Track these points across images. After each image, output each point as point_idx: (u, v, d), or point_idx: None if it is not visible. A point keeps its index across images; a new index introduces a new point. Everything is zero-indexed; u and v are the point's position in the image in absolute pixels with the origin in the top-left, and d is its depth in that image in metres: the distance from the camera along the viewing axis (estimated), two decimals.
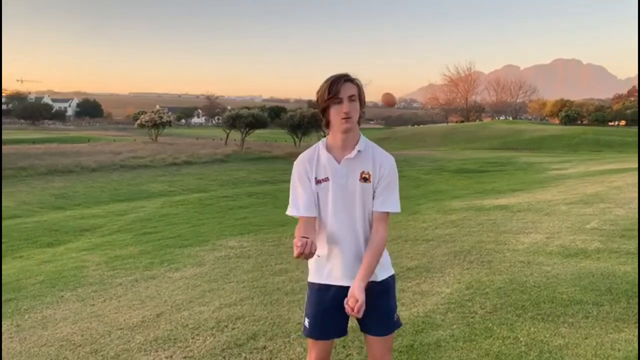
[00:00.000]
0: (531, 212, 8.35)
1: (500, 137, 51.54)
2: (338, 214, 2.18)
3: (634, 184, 11.40)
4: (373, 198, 2.18)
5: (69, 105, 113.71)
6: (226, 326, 3.91)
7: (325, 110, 2.15)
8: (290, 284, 4.97)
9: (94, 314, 4.52)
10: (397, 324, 2.27)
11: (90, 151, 29.96)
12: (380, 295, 2.23)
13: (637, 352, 3.04)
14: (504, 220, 7.81)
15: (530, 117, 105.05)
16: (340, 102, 2.10)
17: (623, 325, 3.44)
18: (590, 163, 24.14)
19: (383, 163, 2.19)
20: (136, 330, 4.01)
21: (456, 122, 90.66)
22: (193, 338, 3.74)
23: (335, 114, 2.12)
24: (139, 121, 43.27)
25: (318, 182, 2.18)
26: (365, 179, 2.16)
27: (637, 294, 3.97)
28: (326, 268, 2.23)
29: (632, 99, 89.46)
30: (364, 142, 2.20)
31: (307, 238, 1.97)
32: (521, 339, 3.32)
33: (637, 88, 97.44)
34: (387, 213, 2.19)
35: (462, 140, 52.73)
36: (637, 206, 8.09)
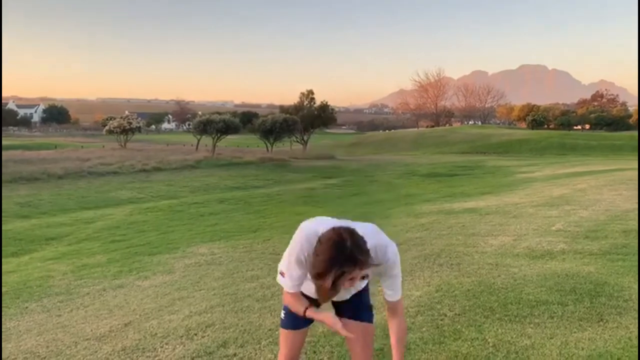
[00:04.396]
0: (499, 215, 8.50)
1: (470, 141, 52.35)
2: None
3: (597, 186, 11.73)
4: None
5: (35, 111, 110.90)
6: (196, 334, 3.87)
7: None
8: (262, 291, 4.95)
9: (60, 325, 4.42)
10: (371, 315, 2.38)
11: (56, 158, 29.24)
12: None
13: (600, 351, 3.12)
14: (472, 223, 7.93)
15: (498, 122, 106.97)
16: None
17: (587, 324, 3.53)
18: (556, 166, 24.72)
19: (386, 257, 2.15)
20: (103, 340, 3.93)
21: (426, 127, 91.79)
22: (162, 347, 3.68)
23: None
24: (107, 127, 42.46)
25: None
26: (363, 277, 2.08)
27: (602, 294, 4.08)
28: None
29: (596, 103, 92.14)
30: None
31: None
32: (489, 340, 3.37)
33: (600, 93, 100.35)
34: (396, 302, 2.26)
35: (432, 144, 53.39)
36: (600, 208, 8.33)
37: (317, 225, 2.09)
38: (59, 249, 9.36)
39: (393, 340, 2.25)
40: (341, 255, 1.86)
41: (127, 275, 6.17)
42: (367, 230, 2.12)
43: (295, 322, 2.36)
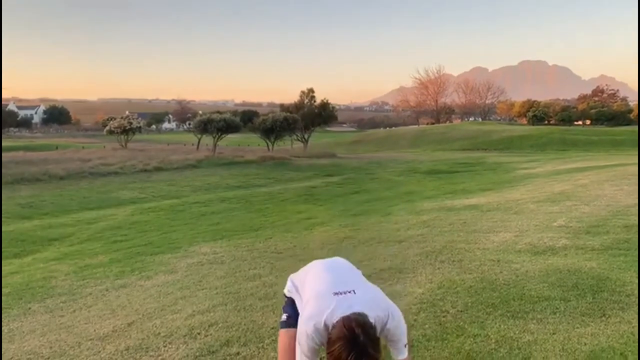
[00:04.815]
0: (500, 211, 8.50)
1: (470, 138, 52.27)
2: None
3: (598, 182, 11.71)
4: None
5: (36, 112, 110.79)
6: (199, 333, 3.88)
7: None
8: (264, 289, 4.95)
9: (63, 325, 4.43)
10: None
11: (58, 159, 29.21)
12: None
13: (602, 346, 3.13)
14: (474, 219, 7.93)
15: (499, 118, 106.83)
16: None
17: (589, 319, 3.53)
18: (557, 162, 24.69)
19: (386, 328, 2.25)
20: (107, 340, 3.94)
21: (427, 124, 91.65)
22: (165, 346, 3.69)
23: None
24: (108, 127, 42.44)
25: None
26: None
27: (604, 289, 4.08)
28: None
29: (596, 98, 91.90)
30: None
31: None
32: (491, 336, 3.38)
33: (600, 88, 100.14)
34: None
35: (433, 141, 53.32)
36: (601, 203, 8.32)
37: (323, 312, 2.17)
38: (61, 249, 9.38)
39: None
40: (357, 354, 1.93)
41: (130, 275, 6.18)
42: (366, 298, 2.23)
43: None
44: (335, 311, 2.14)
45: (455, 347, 3.27)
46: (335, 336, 2.00)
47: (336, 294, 2.25)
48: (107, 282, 5.94)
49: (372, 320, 2.09)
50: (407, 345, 2.34)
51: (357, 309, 2.12)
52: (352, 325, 1.99)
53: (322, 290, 2.31)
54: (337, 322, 2.06)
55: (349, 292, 2.26)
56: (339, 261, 2.70)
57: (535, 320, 3.57)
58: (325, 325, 2.14)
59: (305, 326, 2.19)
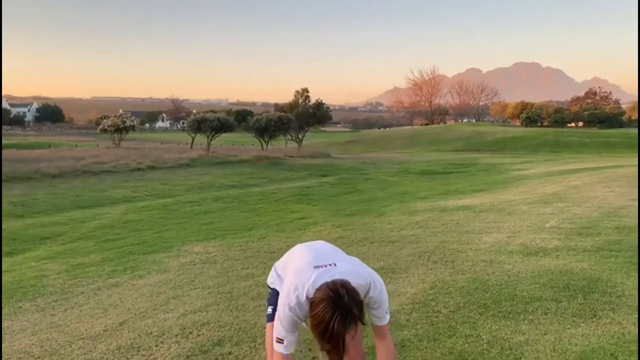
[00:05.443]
0: (493, 212, 8.53)
1: (464, 139, 52.48)
2: None
3: (591, 183, 11.78)
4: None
5: (28, 110, 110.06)
6: (191, 333, 3.87)
7: None
8: (257, 289, 4.95)
9: (54, 324, 4.41)
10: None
11: (51, 157, 29.04)
12: None
13: (593, 346, 3.15)
14: (467, 220, 7.96)
15: (492, 120, 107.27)
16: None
17: (580, 320, 3.55)
18: (550, 163, 24.83)
19: (368, 296, 2.23)
20: (98, 339, 3.92)
21: (421, 124, 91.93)
22: (157, 346, 3.68)
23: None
24: (101, 126, 42.24)
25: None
26: None
27: (595, 290, 4.10)
28: None
29: (589, 101, 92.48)
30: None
31: None
32: (483, 336, 3.39)
33: (593, 91, 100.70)
34: (383, 326, 2.31)
35: (427, 142, 53.51)
36: (593, 205, 8.37)
37: (304, 284, 2.13)
38: (53, 248, 9.32)
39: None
40: (342, 314, 1.91)
41: (122, 274, 6.16)
42: (348, 269, 2.19)
43: None
44: (316, 282, 2.09)
45: (447, 347, 3.28)
46: (319, 298, 1.97)
47: (316, 267, 2.20)
48: (99, 281, 5.92)
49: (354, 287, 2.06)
50: (388, 312, 2.30)
51: (338, 277, 2.08)
52: (336, 287, 1.96)
53: (303, 265, 2.27)
54: (320, 286, 2.03)
55: (330, 264, 2.22)
56: (321, 242, 2.67)
57: (527, 321, 3.59)
58: (307, 297, 2.09)
59: (287, 299, 2.15)
